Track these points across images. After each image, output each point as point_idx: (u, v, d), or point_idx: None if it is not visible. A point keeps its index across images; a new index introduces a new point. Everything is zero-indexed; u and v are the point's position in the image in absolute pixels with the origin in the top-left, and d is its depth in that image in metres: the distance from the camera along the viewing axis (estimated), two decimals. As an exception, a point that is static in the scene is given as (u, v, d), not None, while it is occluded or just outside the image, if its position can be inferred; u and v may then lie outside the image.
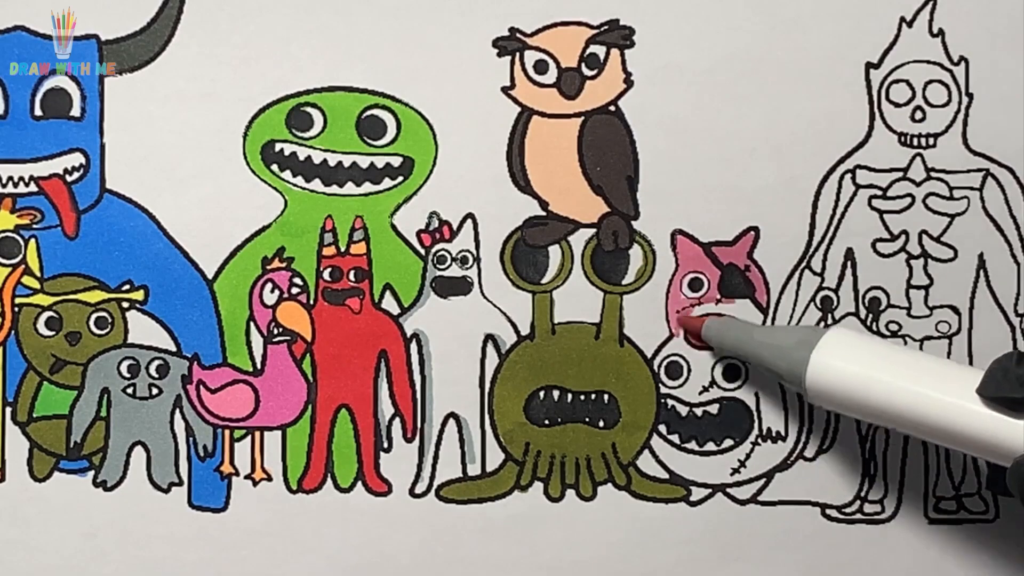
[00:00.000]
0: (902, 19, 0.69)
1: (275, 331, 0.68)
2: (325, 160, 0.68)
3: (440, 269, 0.69)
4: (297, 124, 0.68)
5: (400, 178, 0.69)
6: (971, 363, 0.69)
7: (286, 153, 0.68)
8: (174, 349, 0.68)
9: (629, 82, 0.69)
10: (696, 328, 0.68)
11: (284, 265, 0.68)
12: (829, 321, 0.69)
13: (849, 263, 0.69)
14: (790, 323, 0.69)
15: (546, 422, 0.69)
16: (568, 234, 0.69)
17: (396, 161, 0.68)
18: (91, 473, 0.68)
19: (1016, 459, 0.55)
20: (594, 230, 0.69)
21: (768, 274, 0.69)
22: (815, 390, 0.61)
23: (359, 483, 0.69)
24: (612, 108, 0.69)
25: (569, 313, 0.69)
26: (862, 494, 0.69)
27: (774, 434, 0.69)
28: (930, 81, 0.69)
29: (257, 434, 0.68)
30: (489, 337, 0.69)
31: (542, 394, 0.69)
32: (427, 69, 0.68)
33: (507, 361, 0.69)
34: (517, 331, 0.69)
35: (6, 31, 0.68)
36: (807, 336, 0.62)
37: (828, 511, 0.70)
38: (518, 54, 0.69)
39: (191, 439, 0.68)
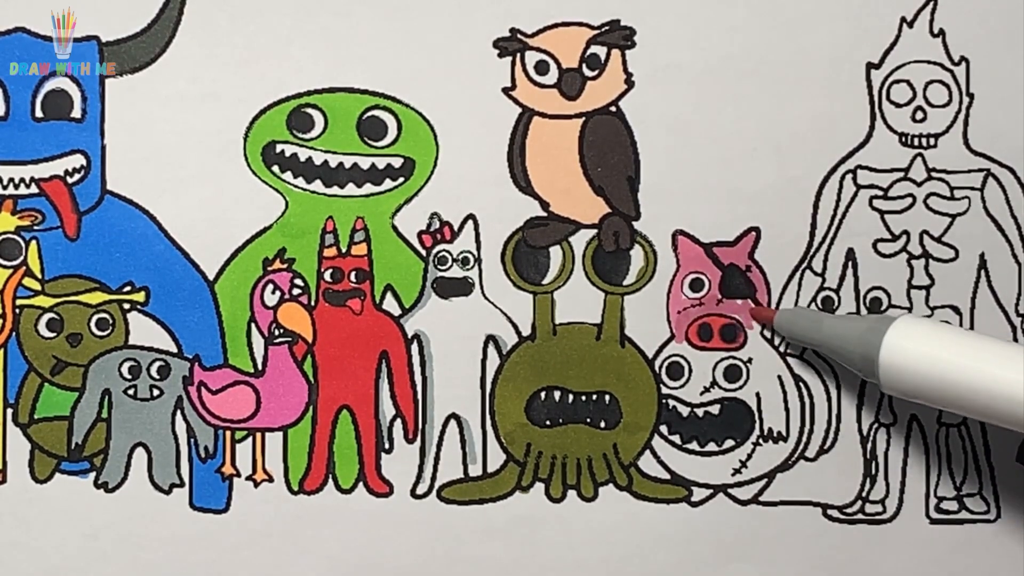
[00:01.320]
0: (903, 19, 0.69)
1: (276, 332, 0.68)
2: (326, 161, 0.68)
3: (441, 270, 0.69)
4: (298, 125, 0.68)
5: (401, 179, 0.69)
6: (972, 363, 0.69)
7: (287, 154, 0.68)
8: (175, 350, 0.68)
9: (630, 82, 0.69)
10: (768, 319, 0.68)
11: (285, 266, 0.68)
12: (830, 321, 0.69)
13: (850, 263, 0.69)
14: (792, 324, 0.69)
15: (547, 423, 0.69)
16: (569, 235, 0.69)
17: (397, 162, 0.68)
18: (92, 474, 0.68)
19: None
20: (595, 231, 0.69)
21: (769, 274, 0.69)
22: (888, 375, 0.61)
23: (360, 484, 0.69)
24: (613, 108, 0.69)
25: (570, 314, 0.69)
26: (863, 494, 0.70)
27: (775, 434, 0.69)
28: (931, 81, 0.69)
29: (258, 435, 0.68)
30: (490, 338, 0.69)
31: (543, 395, 0.69)
32: (428, 70, 0.68)
33: (508, 362, 0.69)
34: (518, 332, 0.69)
35: (6, 31, 0.68)
36: (877, 323, 0.63)
37: (829, 511, 0.70)
38: (519, 55, 0.69)
39: (192, 440, 0.68)
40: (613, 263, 0.69)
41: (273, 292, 0.68)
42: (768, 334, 0.69)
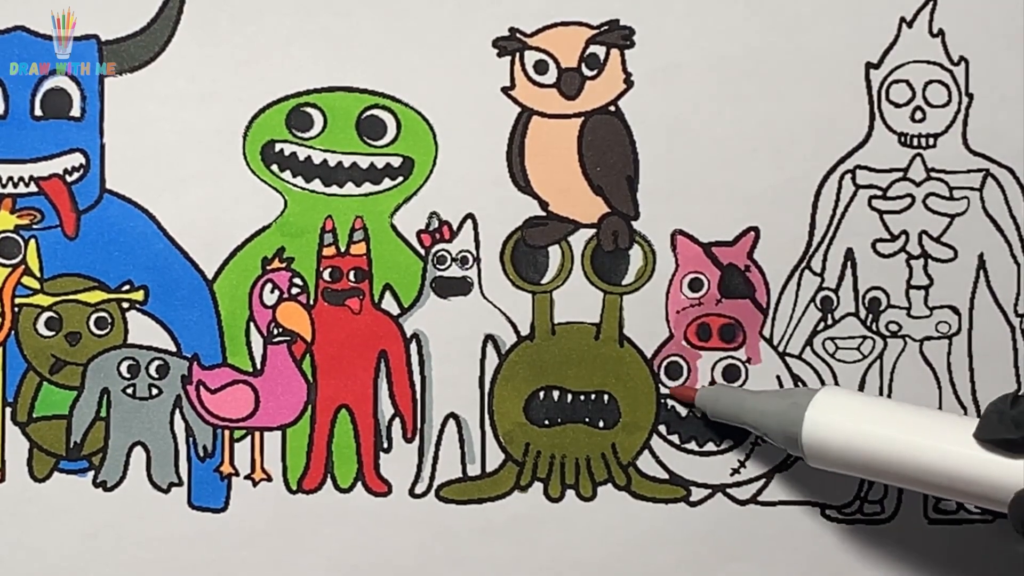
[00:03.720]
0: (902, 19, 0.69)
1: (275, 331, 0.68)
2: (325, 160, 0.68)
3: (440, 269, 0.69)
4: (297, 124, 0.68)
5: (400, 178, 0.69)
6: (971, 364, 0.69)
7: (286, 153, 0.68)
8: (174, 349, 0.68)
9: (629, 82, 0.69)
10: (689, 399, 0.68)
11: (284, 265, 0.68)
12: (829, 321, 0.69)
13: (849, 263, 0.69)
14: (790, 324, 0.69)
15: (546, 422, 0.69)
16: (568, 234, 0.69)
17: (396, 161, 0.68)
18: (91, 473, 0.68)
19: (1017, 492, 0.55)
20: (594, 230, 0.69)
21: (768, 274, 0.69)
22: (812, 449, 0.61)
23: (359, 483, 0.69)
24: (612, 108, 0.69)
25: (569, 313, 0.69)
26: (862, 494, 0.69)
27: (774, 434, 0.69)
28: (930, 81, 0.69)
29: (257, 434, 0.68)
30: (489, 337, 0.69)
31: (542, 394, 0.69)
32: (427, 69, 0.68)
33: (507, 361, 0.69)
34: (517, 331, 0.69)
35: (6, 31, 0.68)
36: (799, 398, 0.62)
37: (828, 511, 0.70)
38: (518, 54, 0.69)
39: (191, 439, 0.68)
40: (612, 263, 0.69)
41: (272, 291, 0.68)
42: (769, 335, 0.69)
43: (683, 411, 0.69)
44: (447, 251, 0.69)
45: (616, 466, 0.69)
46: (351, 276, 0.68)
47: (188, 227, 0.68)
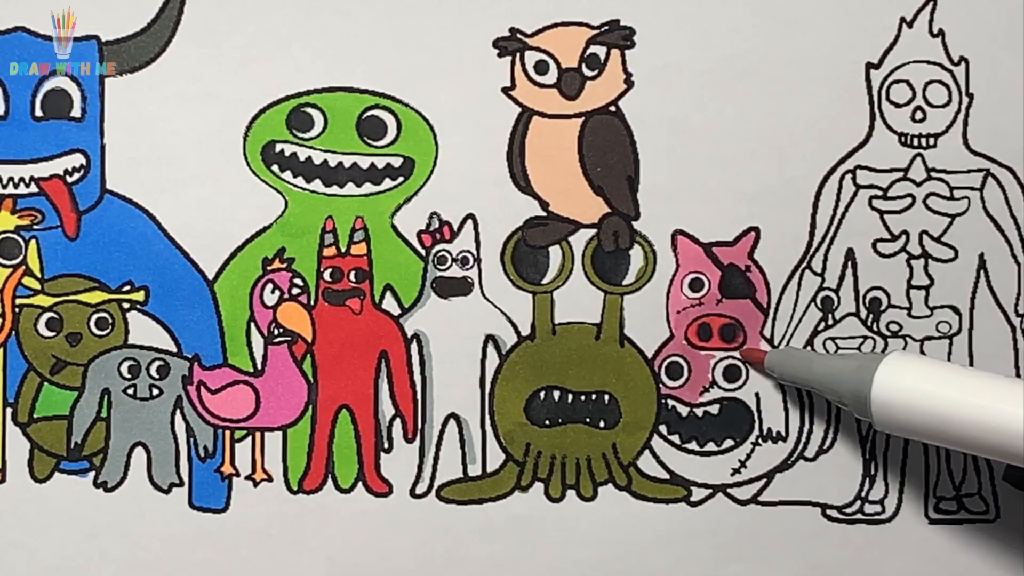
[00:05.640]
0: (902, 19, 0.69)
1: (275, 332, 0.68)
2: (325, 161, 0.68)
3: (441, 270, 0.69)
4: (297, 125, 0.68)
5: (400, 178, 0.69)
6: (972, 364, 0.69)
7: (286, 154, 0.68)
8: (175, 350, 0.68)
9: (629, 82, 0.69)
10: (759, 360, 0.68)
11: (284, 266, 0.68)
12: (830, 321, 0.69)
13: (850, 263, 0.69)
14: (790, 324, 0.69)
15: (547, 422, 0.69)
16: (569, 234, 0.69)
17: (396, 161, 0.69)
18: (92, 474, 0.68)
19: None
20: (595, 230, 0.69)
21: (769, 274, 0.69)
22: (881, 412, 0.61)
23: (360, 484, 0.69)
24: (612, 108, 0.69)
25: (570, 313, 0.69)
26: (862, 494, 0.70)
27: (775, 434, 0.69)
28: (930, 81, 0.69)
29: (258, 435, 0.68)
30: (490, 337, 0.69)
31: (543, 394, 0.69)
32: (427, 69, 0.68)
33: (508, 361, 0.69)
34: (518, 331, 0.69)
35: (6, 31, 0.68)
36: (868, 361, 0.62)
37: (828, 511, 0.70)
38: (518, 54, 0.69)
39: (192, 440, 0.68)
40: (613, 263, 0.69)
41: (272, 292, 0.68)
42: (770, 335, 0.69)
43: (683, 411, 0.69)
44: (448, 251, 0.69)
45: (617, 466, 0.69)
46: (352, 276, 0.68)
47: (188, 227, 0.68)
